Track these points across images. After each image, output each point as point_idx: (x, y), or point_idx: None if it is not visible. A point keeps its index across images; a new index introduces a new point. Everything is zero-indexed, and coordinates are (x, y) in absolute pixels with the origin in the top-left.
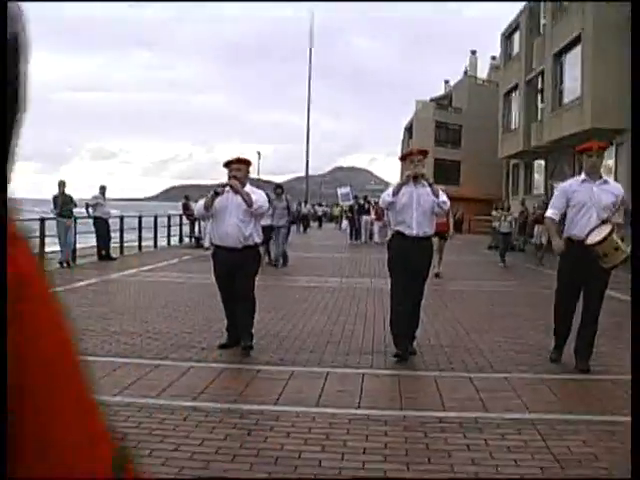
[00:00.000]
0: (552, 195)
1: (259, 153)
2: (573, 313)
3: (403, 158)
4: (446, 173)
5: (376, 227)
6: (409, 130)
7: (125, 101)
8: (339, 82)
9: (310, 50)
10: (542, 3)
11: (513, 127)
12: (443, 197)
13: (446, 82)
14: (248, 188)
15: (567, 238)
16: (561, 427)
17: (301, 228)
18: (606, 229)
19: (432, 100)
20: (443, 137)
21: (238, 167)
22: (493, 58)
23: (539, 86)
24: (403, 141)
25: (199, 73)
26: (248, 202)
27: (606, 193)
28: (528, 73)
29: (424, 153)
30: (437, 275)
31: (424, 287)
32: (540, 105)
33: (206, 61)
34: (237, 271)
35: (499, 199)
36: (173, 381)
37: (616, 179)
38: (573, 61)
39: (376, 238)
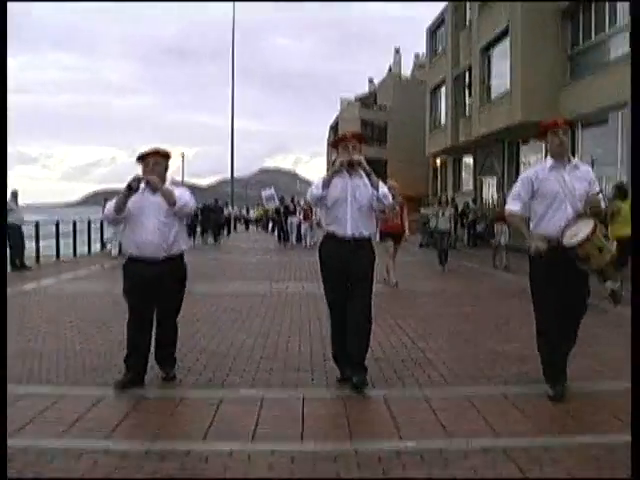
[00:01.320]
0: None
1: (183, 155)
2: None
3: (335, 144)
4: (373, 171)
5: (304, 229)
6: (334, 129)
7: (44, 105)
8: (263, 83)
9: (233, 51)
10: None
11: (441, 123)
12: (383, 189)
13: (370, 81)
14: (169, 184)
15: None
16: (537, 453)
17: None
18: (587, 226)
19: (357, 99)
20: (369, 135)
21: (156, 160)
22: (417, 56)
23: (467, 81)
24: (328, 140)
25: (120, 75)
26: (170, 200)
27: (579, 180)
28: (455, 68)
29: (360, 138)
30: (396, 285)
31: (369, 297)
32: (468, 100)
33: (127, 63)
34: (158, 289)
35: (426, 196)
36: (82, 414)
37: None
38: (501, 55)
39: (308, 240)
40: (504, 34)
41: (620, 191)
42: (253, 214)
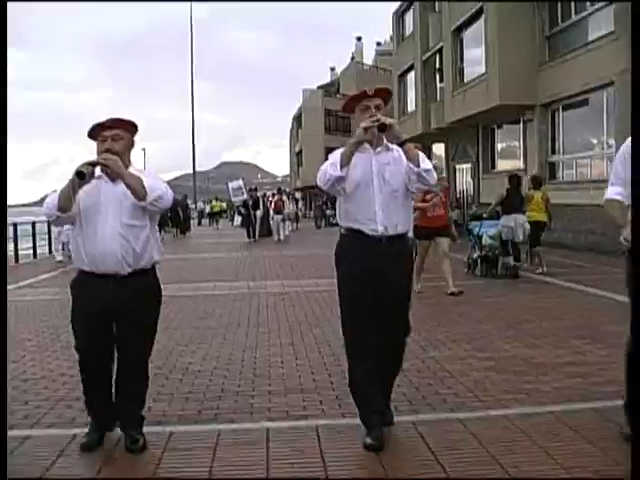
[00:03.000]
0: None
1: (144, 150)
2: None
3: (350, 106)
4: None
5: (275, 221)
6: (298, 119)
7: None
8: (222, 76)
9: (191, 44)
10: None
11: (410, 110)
12: (426, 163)
13: (332, 69)
14: (135, 170)
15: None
16: None
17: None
18: None
19: (320, 88)
20: (333, 125)
21: (115, 134)
22: (378, 44)
23: (437, 65)
24: (291, 131)
25: (75, 71)
26: (138, 191)
27: None
28: (424, 52)
29: (385, 94)
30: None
31: (408, 322)
32: (440, 85)
33: (82, 58)
34: (120, 319)
35: None
36: (45, 470)
37: (525, 157)
38: (474, 36)
39: (281, 234)
40: (478, 15)
41: (534, 181)
42: (207, 208)
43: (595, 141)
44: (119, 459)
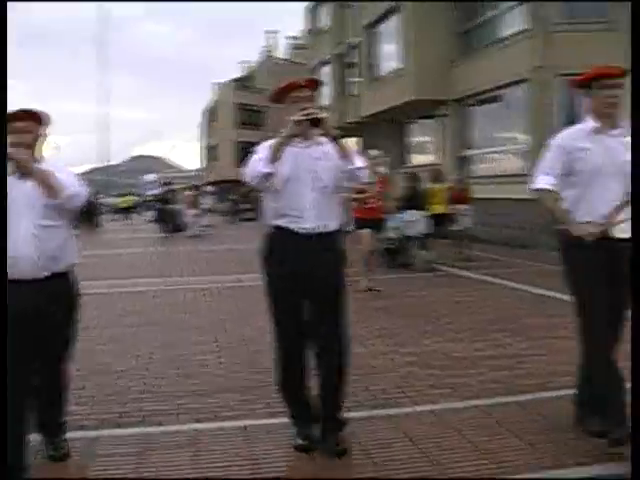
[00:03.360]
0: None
1: (56, 145)
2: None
3: (279, 96)
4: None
5: (189, 216)
6: (210, 113)
7: None
8: (135, 70)
9: (103, 38)
10: None
11: (325, 104)
12: (358, 160)
13: (245, 63)
14: (45, 165)
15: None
16: None
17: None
18: None
19: (233, 81)
20: (246, 119)
21: (23, 126)
22: (292, 37)
23: (352, 59)
24: (202, 125)
25: None
26: (51, 189)
27: (626, 150)
28: (339, 46)
29: (316, 85)
30: (369, 289)
31: (343, 321)
32: (355, 79)
33: None
34: (38, 325)
35: None
36: None
37: (439, 152)
38: (390, 31)
39: (196, 229)
40: (393, 10)
41: (434, 176)
42: (119, 202)
43: (509, 136)
44: (42, 468)
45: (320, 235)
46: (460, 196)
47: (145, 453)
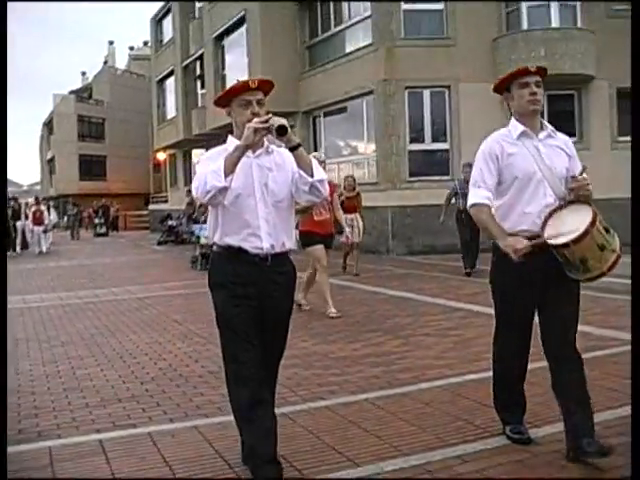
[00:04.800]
0: None
1: None
2: (526, 358)
3: (226, 99)
4: (92, 169)
5: (36, 233)
6: (48, 125)
7: None
8: None
9: None
10: None
11: (170, 116)
12: (319, 171)
13: (83, 74)
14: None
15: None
16: None
17: None
18: (580, 216)
19: (72, 93)
20: (86, 131)
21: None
22: (131, 48)
23: (198, 71)
24: (42, 137)
25: None
26: None
27: (557, 153)
28: (185, 58)
29: (269, 88)
30: (299, 306)
31: (282, 351)
32: (201, 91)
33: None
34: None
35: (158, 192)
36: None
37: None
38: (236, 44)
39: (43, 246)
40: (240, 23)
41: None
42: None
43: (355, 145)
44: None
45: (275, 256)
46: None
47: (52, 465)
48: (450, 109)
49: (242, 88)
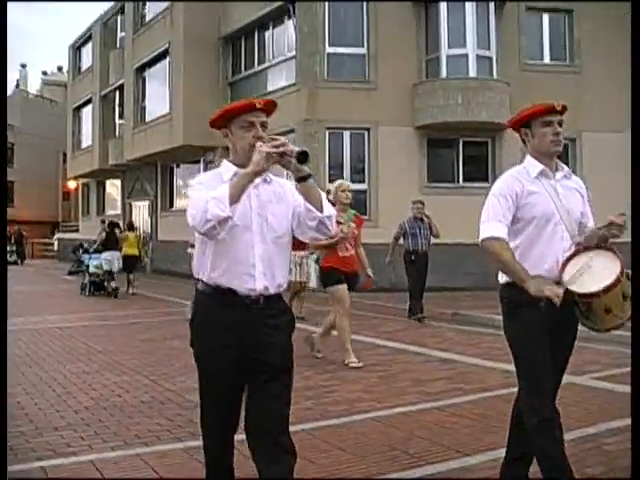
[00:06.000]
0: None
1: None
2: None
3: (222, 120)
4: None
5: None
6: None
7: None
8: None
9: None
10: (119, 16)
11: (86, 145)
12: (328, 206)
13: None
14: None
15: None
16: None
17: None
18: (609, 262)
19: None
20: None
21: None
22: (44, 73)
23: (117, 101)
24: None
25: None
26: None
27: (574, 195)
28: (104, 88)
29: (273, 108)
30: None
31: (288, 405)
32: (120, 121)
33: None
34: None
35: (67, 220)
36: None
37: None
38: (158, 76)
39: None
40: (162, 56)
41: (129, 225)
42: None
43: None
44: None
45: (268, 298)
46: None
47: None
48: (369, 151)
49: (245, 108)
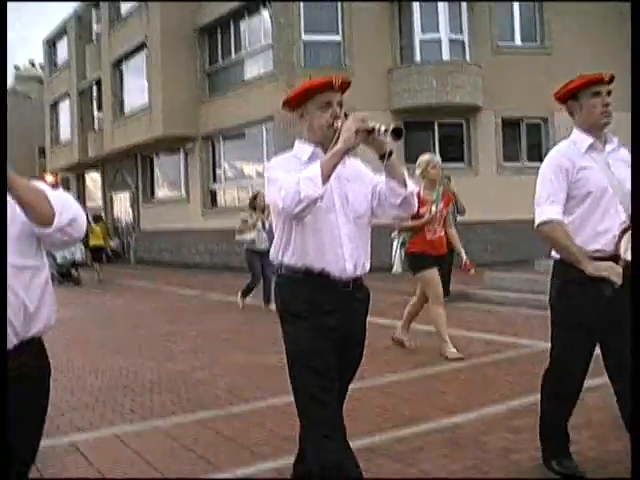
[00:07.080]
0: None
1: None
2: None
3: (299, 99)
4: None
5: None
6: None
7: None
8: None
9: None
10: (94, 10)
11: (64, 139)
12: (410, 182)
13: None
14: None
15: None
16: None
17: None
18: None
19: None
20: None
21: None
22: (17, 68)
23: (95, 95)
24: None
25: None
26: (37, 211)
27: (625, 167)
28: (81, 82)
29: (348, 87)
30: (401, 343)
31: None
32: (98, 114)
33: None
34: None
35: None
36: None
37: (187, 186)
38: (136, 68)
39: None
40: (140, 48)
41: (95, 218)
42: None
43: (254, 169)
44: None
45: (356, 281)
46: None
47: None
48: None
49: (324, 86)
